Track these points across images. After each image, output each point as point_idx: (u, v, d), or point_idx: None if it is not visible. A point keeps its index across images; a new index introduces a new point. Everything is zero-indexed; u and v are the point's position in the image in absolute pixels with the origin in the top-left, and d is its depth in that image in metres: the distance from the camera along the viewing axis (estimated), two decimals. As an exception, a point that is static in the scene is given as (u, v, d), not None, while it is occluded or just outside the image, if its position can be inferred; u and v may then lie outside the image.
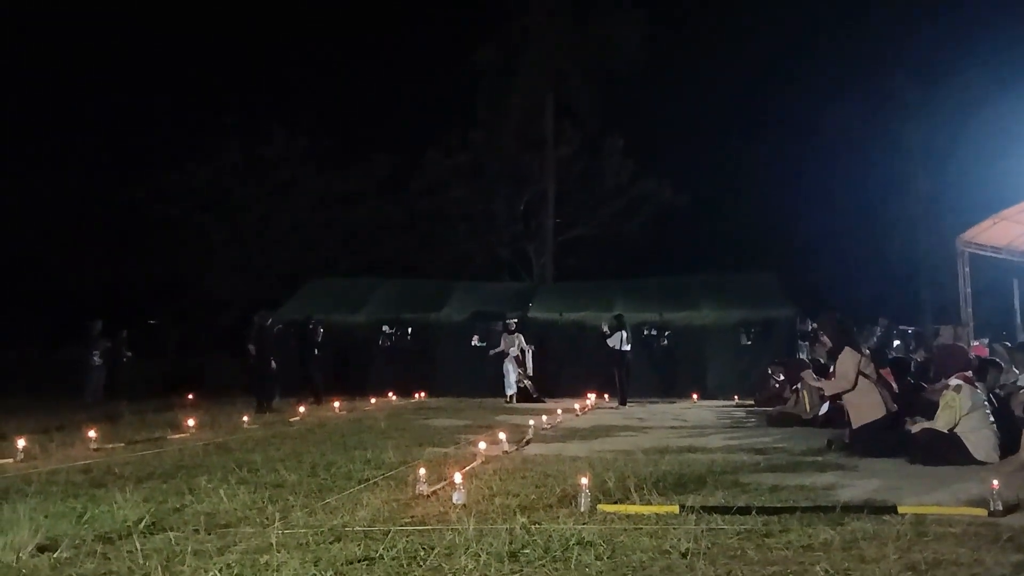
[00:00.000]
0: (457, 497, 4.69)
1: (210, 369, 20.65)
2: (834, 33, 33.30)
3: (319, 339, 14.66)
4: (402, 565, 3.44)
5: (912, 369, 9.20)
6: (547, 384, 16.09)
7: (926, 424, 6.55)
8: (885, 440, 6.79)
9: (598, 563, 3.44)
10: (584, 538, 3.78)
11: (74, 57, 29.93)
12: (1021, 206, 14.12)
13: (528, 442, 8.04)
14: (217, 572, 3.34)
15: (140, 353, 19.22)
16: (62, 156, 29.16)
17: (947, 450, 6.17)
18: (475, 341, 17.21)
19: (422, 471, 5.15)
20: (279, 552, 3.60)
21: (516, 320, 16.30)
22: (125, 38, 32.92)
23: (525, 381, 15.63)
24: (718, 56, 32.64)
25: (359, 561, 3.49)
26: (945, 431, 6.28)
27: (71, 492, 5.18)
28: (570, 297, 18.98)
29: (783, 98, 30.94)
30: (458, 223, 30.05)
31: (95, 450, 7.40)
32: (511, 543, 3.70)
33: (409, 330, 17.77)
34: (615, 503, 4.64)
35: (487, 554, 3.54)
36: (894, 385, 7.87)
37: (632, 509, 4.51)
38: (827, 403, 9.17)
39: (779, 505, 4.54)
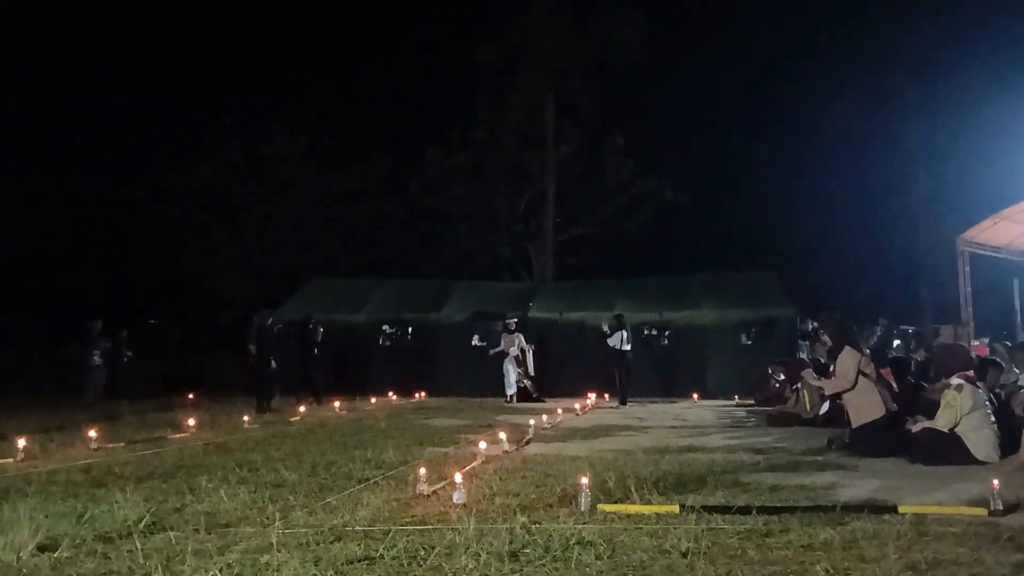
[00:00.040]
0: (457, 497, 4.70)
1: (210, 369, 20.67)
2: (834, 33, 33.36)
3: (319, 339, 14.62)
4: (402, 565, 3.44)
5: (912, 369, 9.19)
6: (547, 384, 16.10)
7: (926, 423, 6.54)
8: (885, 440, 6.79)
9: (598, 563, 3.44)
10: (584, 538, 3.78)
11: (74, 57, 30.02)
12: (1021, 206, 14.14)
13: (528, 442, 8.04)
14: (217, 572, 3.34)
15: (140, 353, 19.19)
16: (62, 156, 29.19)
17: (947, 450, 6.17)
18: (475, 341, 17.23)
19: (422, 471, 5.15)
20: (279, 552, 3.60)
21: (516, 320, 16.31)
22: (125, 38, 33.04)
23: (525, 381, 15.63)
24: (718, 56, 32.72)
25: (359, 561, 3.49)
26: (946, 431, 6.27)
27: (71, 492, 5.18)
28: (570, 297, 18.98)
29: (783, 98, 31.04)
30: (458, 222, 30.05)
31: (95, 450, 7.40)
32: (511, 543, 3.70)
33: (409, 330, 17.77)
34: (615, 503, 4.63)
35: (487, 554, 3.54)
36: (894, 385, 7.87)
37: (632, 509, 4.50)
38: (827, 403, 9.17)
39: (779, 505, 4.54)
